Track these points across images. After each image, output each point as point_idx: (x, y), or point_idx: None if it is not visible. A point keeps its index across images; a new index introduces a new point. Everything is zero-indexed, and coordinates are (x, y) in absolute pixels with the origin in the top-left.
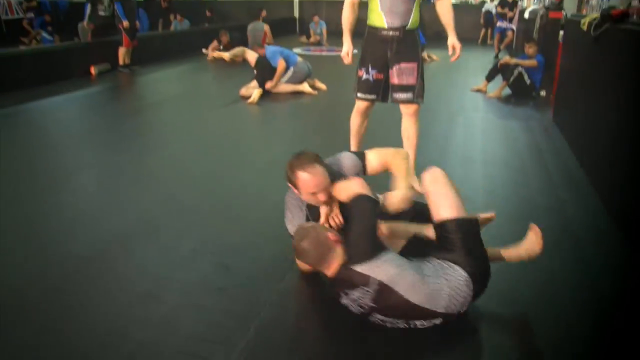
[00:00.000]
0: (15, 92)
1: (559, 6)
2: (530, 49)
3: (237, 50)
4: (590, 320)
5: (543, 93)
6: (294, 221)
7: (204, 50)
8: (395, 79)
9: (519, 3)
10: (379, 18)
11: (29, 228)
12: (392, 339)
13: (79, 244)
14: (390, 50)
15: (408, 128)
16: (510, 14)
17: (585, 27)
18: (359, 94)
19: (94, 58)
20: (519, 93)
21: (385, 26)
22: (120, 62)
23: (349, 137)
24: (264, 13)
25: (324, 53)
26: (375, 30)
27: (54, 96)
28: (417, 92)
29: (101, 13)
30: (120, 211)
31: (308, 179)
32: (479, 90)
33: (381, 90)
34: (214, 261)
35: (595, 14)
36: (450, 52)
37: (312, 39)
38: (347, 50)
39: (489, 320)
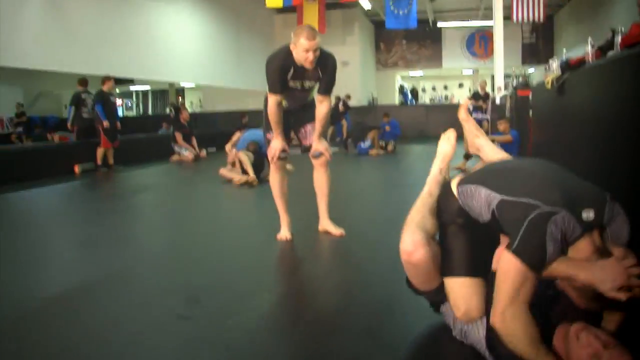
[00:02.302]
0: None
1: (526, 85)
2: (501, 126)
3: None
4: None
5: None
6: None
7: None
8: (305, 141)
9: (491, 95)
10: (282, 101)
11: None
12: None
13: (45, 290)
14: (292, 117)
15: (319, 179)
16: (484, 106)
17: (549, 85)
18: None
19: (78, 157)
20: None
21: (286, 106)
22: (99, 161)
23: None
24: (245, 119)
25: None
26: None
27: (37, 188)
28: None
29: (84, 115)
30: (91, 265)
31: None
32: (459, 168)
33: (289, 147)
34: (184, 297)
35: (557, 72)
36: (311, 154)
37: (294, 142)
38: (280, 147)
39: None
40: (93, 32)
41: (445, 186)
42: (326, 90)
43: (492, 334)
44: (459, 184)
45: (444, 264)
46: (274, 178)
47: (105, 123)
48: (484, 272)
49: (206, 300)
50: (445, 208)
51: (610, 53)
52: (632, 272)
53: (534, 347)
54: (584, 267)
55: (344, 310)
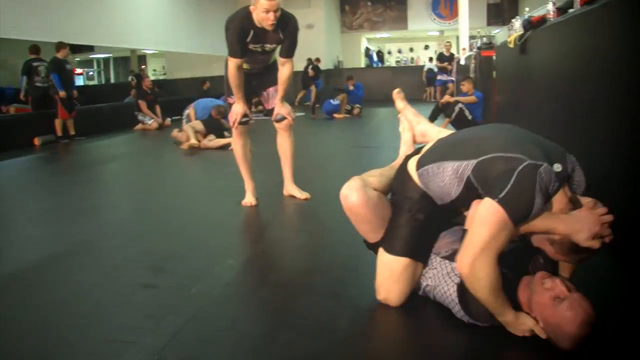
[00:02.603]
0: None
1: (490, 45)
2: (464, 87)
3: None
4: None
5: None
6: None
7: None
8: (267, 105)
9: (456, 56)
10: (244, 64)
11: None
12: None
13: (7, 263)
14: (254, 80)
15: (283, 143)
16: (449, 67)
17: (512, 44)
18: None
19: (37, 130)
20: (462, 128)
21: (248, 68)
22: (59, 133)
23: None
24: (207, 85)
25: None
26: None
27: None
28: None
29: (38, 84)
30: (55, 237)
31: None
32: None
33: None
34: (149, 266)
35: (519, 31)
36: (273, 117)
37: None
38: (242, 111)
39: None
40: None
41: (402, 169)
42: (288, 52)
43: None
44: (418, 166)
45: (387, 235)
46: (236, 143)
47: (62, 93)
48: (422, 258)
49: (171, 268)
50: (403, 192)
51: (570, 10)
52: (604, 220)
53: (495, 295)
54: (562, 219)
55: (309, 272)
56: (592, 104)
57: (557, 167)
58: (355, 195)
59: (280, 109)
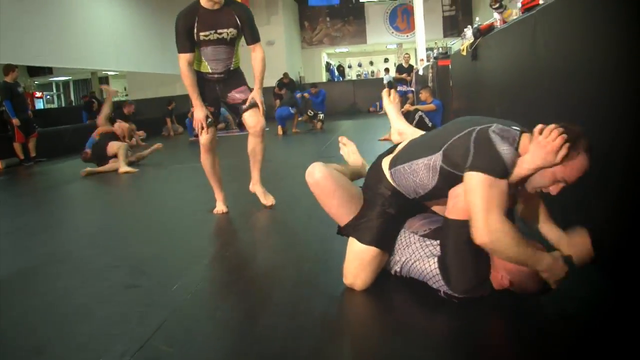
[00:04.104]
0: None
1: (446, 55)
2: (422, 95)
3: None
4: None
5: None
6: None
7: None
8: (237, 99)
9: (414, 67)
10: (204, 65)
11: None
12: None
13: None
14: (218, 86)
15: (255, 146)
16: (408, 78)
17: (464, 52)
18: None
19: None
20: None
21: (210, 71)
22: (20, 156)
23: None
24: (172, 105)
25: (235, 134)
26: (202, 74)
27: None
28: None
29: None
30: (28, 251)
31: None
32: (386, 139)
33: (216, 121)
34: (129, 270)
35: (470, 39)
36: (247, 103)
37: (220, 126)
38: (203, 115)
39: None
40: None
41: (375, 167)
42: (253, 38)
43: (444, 252)
44: (390, 166)
45: (359, 226)
46: (204, 159)
47: (15, 121)
48: (389, 248)
49: (151, 270)
50: (376, 189)
51: (513, 17)
52: (553, 136)
53: (523, 246)
54: (529, 159)
55: (282, 266)
56: (535, 102)
57: (509, 124)
58: (319, 168)
59: (256, 94)
